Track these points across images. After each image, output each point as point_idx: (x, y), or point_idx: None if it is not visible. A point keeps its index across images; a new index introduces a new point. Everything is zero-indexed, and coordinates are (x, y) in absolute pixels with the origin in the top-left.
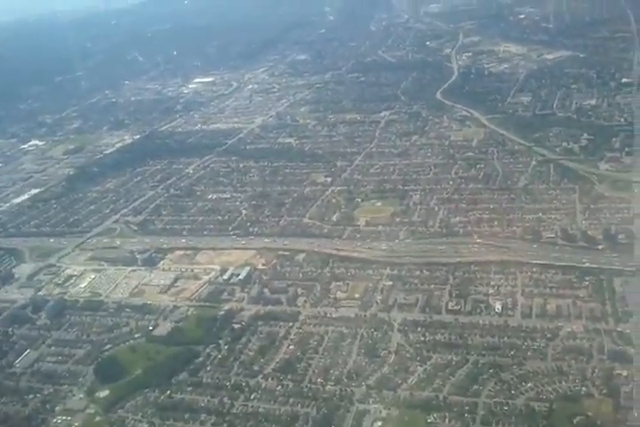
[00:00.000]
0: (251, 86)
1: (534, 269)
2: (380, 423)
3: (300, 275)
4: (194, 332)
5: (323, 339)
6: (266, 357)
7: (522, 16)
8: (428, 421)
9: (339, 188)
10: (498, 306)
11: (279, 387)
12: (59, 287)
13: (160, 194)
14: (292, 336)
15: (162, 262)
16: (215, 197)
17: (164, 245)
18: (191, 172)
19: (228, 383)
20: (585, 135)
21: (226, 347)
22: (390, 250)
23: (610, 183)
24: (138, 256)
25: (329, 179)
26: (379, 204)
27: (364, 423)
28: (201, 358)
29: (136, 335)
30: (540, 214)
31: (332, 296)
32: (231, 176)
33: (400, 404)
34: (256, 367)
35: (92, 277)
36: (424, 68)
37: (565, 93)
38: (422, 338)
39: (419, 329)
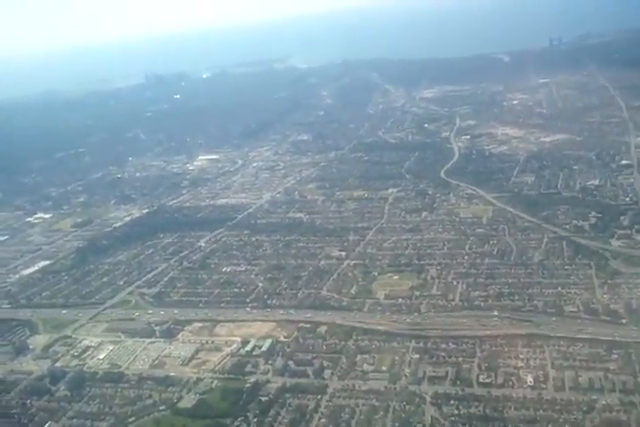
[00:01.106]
0: (256, 164)
1: (561, 343)
2: None
3: (324, 347)
4: (220, 404)
5: (354, 412)
6: None
7: (515, 102)
8: None
9: (354, 261)
10: (530, 379)
11: None
12: (76, 359)
13: (173, 266)
14: (322, 409)
15: (181, 334)
16: (229, 269)
17: (182, 317)
18: (203, 245)
19: None
20: (593, 213)
21: (255, 420)
22: (413, 323)
23: (624, 259)
24: (156, 328)
25: (343, 253)
26: (396, 277)
27: None
28: None
29: (160, 408)
30: (560, 289)
31: (358, 369)
32: (244, 249)
33: None
34: None
35: (110, 348)
36: (425, 148)
37: (568, 174)
38: (456, 411)
39: (451, 402)
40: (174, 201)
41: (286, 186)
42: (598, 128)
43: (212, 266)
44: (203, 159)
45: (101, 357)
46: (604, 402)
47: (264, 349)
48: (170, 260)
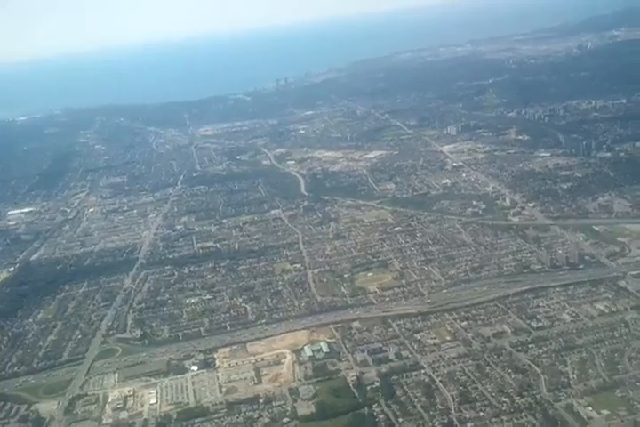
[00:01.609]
0: (92, 209)
1: (558, 289)
2: None
3: (377, 336)
4: (340, 402)
5: (464, 373)
6: (436, 397)
7: (302, 131)
8: None
9: (316, 270)
10: (566, 316)
11: None
12: (123, 411)
13: (123, 310)
14: (437, 378)
15: (218, 361)
16: (195, 300)
17: (202, 348)
18: (133, 286)
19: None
20: (474, 202)
21: (389, 402)
22: (429, 302)
23: (533, 228)
24: (186, 362)
25: (297, 264)
26: (370, 274)
27: None
28: (381, 416)
29: (284, 420)
30: (512, 256)
31: (428, 343)
32: (187, 281)
33: None
34: (442, 406)
35: (153, 392)
36: (263, 175)
37: (418, 179)
38: (540, 351)
39: (530, 346)
40: (36, 255)
41: (159, 223)
42: (402, 143)
43: (170, 301)
44: (16, 213)
45: (153, 401)
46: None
47: (326, 350)
48: (109, 306)
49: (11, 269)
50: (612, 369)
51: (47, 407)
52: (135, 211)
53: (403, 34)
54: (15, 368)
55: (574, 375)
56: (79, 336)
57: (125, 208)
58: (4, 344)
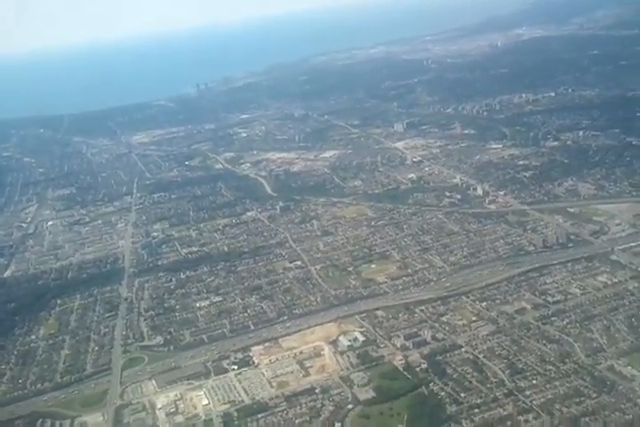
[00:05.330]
0: (51, 222)
1: (558, 266)
2: None
3: (404, 322)
4: (397, 384)
5: (503, 348)
6: (486, 371)
7: (244, 135)
8: None
9: (318, 266)
10: (576, 289)
11: None
12: (177, 415)
13: (133, 319)
14: (479, 354)
15: (255, 358)
16: (206, 303)
17: (234, 347)
18: (133, 295)
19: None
20: (447, 193)
21: (446, 379)
22: (444, 287)
23: (512, 213)
24: (223, 362)
25: (297, 262)
26: (373, 266)
27: None
28: (442, 393)
29: (349, 406)
30: (505, 240)
31: (458, 324)
32: (189, 286)
33: None
34: (495, 379)
35: (201, 393)
36: (222, 179)
37: (383, 174)
38: (563, 322)
39: (552, 319)
40: (8, 272)
41: (132, 231)
42: (353, 142)
43: (178, 306)
44: None
45: (205, 402)
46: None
47: (362, 339)
48: (114, 316)
49: None
50: (635, 332)
51: (93, 420)
52: (100, 221)
53: (309, 35)
54: (38, 385)
55: (604, 341)
56: (95, 348)
57: (87, 219)
58: (13, 363)
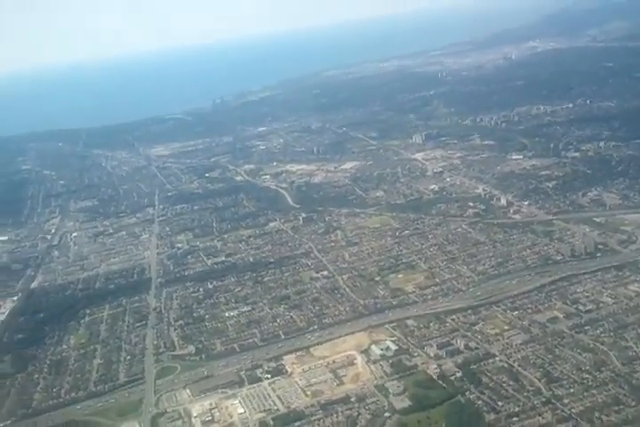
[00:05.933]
0: (76, 233)
1: (587, 276)
2: None
3: (435, 331)
4: (433, 393)
5: (537, 357)
6: (522, 380)
7: (262, 147)
8: None
9: (345, 275)
10: (608, 299)
11: None
12: (214, 423)
13: (163, 328)
14: (514, 363)
15: (288, 368)
16: (235, 313)
17: (267, 356)
18: (162, 305)
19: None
20: (471, 204)
21: (481, 388)
22: (474, 297)
23: (537, 223)
24: (257, 371)
25: (324, 272)
26: (400, 276)
27: None
28: (479, 402)
29: (386, 415)
30: (531, 249)
31: (490, 333)
32: (217, 296)
33: None
34: (531, 387)
35: (235, 402)
36: (243, 191)
37: (405, 184)
38: (597, 332)
39: (584, 322)
40: (35, 283)
41: (156, 242)
42: (372, 154)
43: (207, 316)
44: None
45: (241, 411)
46: None
47: (394, 348)
48: (144, 325)
49: (15, 299)
50: None
51: None
52: (124, 232)
53: (319, 52)
54: (72, 394)
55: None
56: (127, 357)
57: (111, 231)
58: (46, 372)
